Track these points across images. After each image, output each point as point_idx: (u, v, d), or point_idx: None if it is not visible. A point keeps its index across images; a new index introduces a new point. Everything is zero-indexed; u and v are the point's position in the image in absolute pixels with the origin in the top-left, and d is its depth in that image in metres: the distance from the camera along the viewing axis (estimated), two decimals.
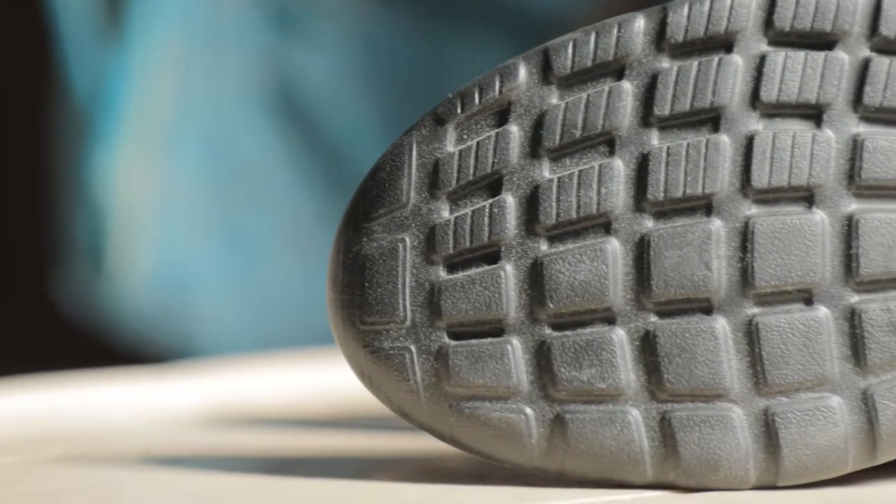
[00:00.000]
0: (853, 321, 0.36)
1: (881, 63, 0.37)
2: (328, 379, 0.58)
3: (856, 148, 0.37)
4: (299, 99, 1.02)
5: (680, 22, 0.37)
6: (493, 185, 0.37)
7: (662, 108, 0.37)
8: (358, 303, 0.37)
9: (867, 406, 0.36)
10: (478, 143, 0.37)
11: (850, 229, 0.36)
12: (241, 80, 1.02)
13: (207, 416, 0.56)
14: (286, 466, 0.44)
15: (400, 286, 0.37)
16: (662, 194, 0.36)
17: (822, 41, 0.37)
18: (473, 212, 0.37)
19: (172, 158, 0.99)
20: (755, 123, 0.37)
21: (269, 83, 1.03)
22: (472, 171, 0.37)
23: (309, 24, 1.05)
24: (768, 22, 0.37)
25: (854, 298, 0.36)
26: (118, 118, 0.98)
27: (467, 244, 0.37)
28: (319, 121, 1.02)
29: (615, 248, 0.36)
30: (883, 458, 0.36)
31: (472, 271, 0.37)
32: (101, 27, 0.98)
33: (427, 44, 1.02)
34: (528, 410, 0.36)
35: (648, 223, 0.36)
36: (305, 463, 0.45)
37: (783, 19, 0.37)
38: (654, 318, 0.36)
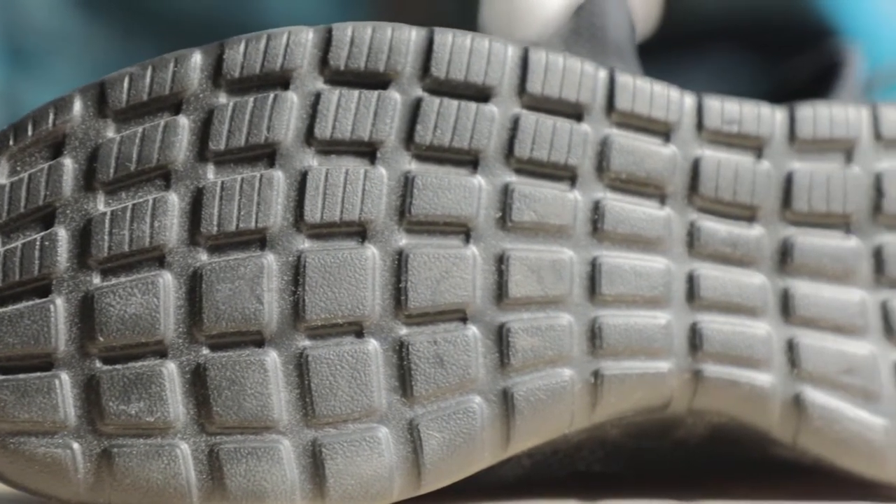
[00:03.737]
0: (401, 353, 0.35)
1: (432, 103, 0.35)
2: None
3: (407, 184, 0.35)
4: None
5: (236, 59, 0.35)
6: (46, 218, 0.34)
7: (218, 144, 0.35)
8: None
9: (413, 436, 0.35)
10: (30, 175, 0.34)
11: (400, 263, 0.35)
12: None
13: None
14: None
15: None
16: (216, 228, 0.34)
17: (376, 80, 0.35)
18: (24, 245, 0.34)
19: None
20: (310, 159, 0.35)
21: (1, 122, 0.99)
22: (23, 204, 0.34)
23: (43, 61, 1.01)
24: (324, 61, 0.35)
25: (403, 331, 0.35)
26: None
27: (17, 277, 0.34)
28: None
29: (167, 282, 0.34)
30: (428, 488, 0.35)
31: (22, 305, 0.34)
32: None
33: None
34: (75, 445, 0.34)
35: (202, 257, 0.34)
36: None
37: (338, 59, 0.35)
38: (206, 351, 0.34)
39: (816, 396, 0.36)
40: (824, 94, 0.49)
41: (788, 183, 0.37)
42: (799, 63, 0.53)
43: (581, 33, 0.46)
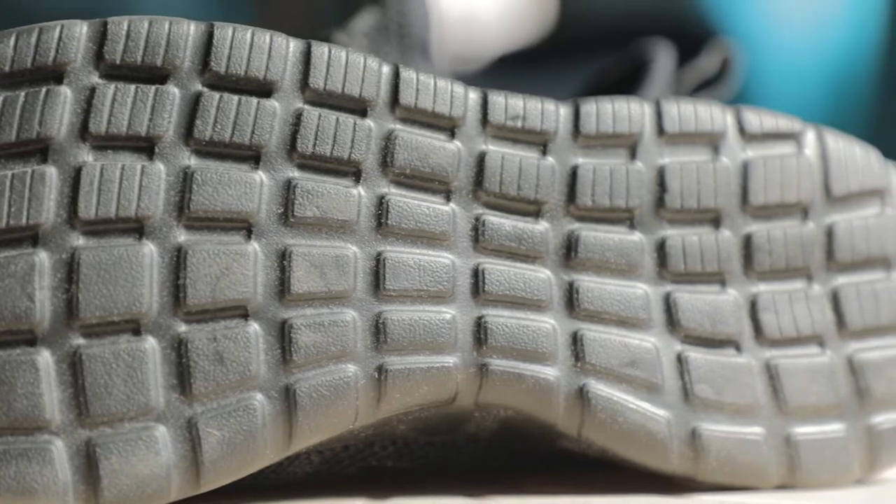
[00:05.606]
0: (180, 351, 0.33)
1: (212, 98, 0.34)
2: None
3: (186, 180, 0.34)
4: None
5: (6, 52, 0.33)
6: None
7: None
8: None
9: (192, 434, 0.33)
10: None
11: (178, 260, 0.34)
12: None
13: None
14: None
15: None
16: None
17: (154, 75, 0.34)
18: None
19: None
20: (84, 155, 0.33)
21: None
22: None
23: None
24: (99, 55, 0.33)
25: (182, 328, 0.34)
26: None
27: None
28: None
29: None
30: (208, 486, 0.33)
31: None
32: None
33: None
34: None
35: None
36: None
37: (113, 53, 0.34)
38: None
39: (600, 389, 0.36)
40: (633, 90, 0.49)
41: (573, 178, 0.37)
42: (612, 62, 0.53)
43: (388, 30, 0.45)
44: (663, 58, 0.50)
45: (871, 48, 0.89)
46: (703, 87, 0.52)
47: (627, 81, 0.50)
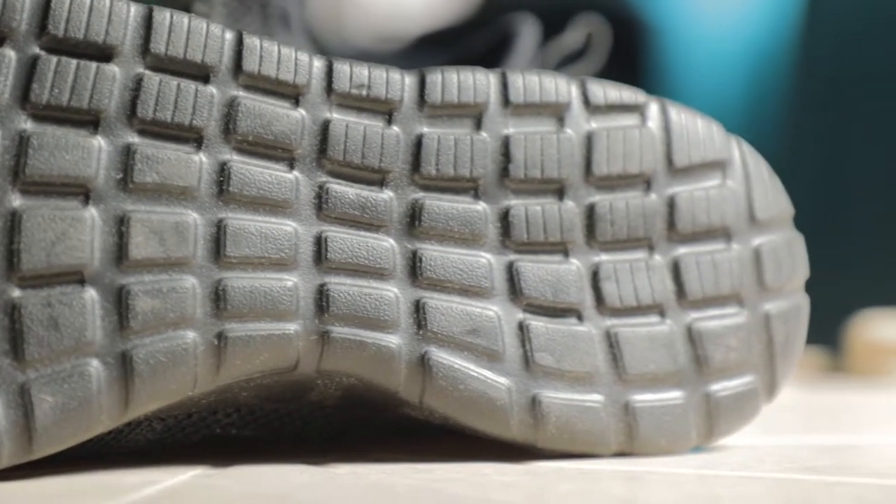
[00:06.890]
0: (13, 316, 0.33)
1: (49, 61, 0.33)
2: None
3: (21, 144, 0.33)
4: None
5: None
6: None
7: None
8: None
9: (24, 400, 0.33)
10: None
11: (13, 225, 0.33)
12: None
13: None
14: None
15: None
16: None
17: None
18: None
19: None
20: None
21: None
22: None
23: None
24: None
25: (16, 293, 0.33)
26: None
27: None
28: None
29: None
30: (41, 453, 0.33)
31: None
32: None
33: None
34: None
35: None
36: None
37: None
38: None
39: (441, 357, 0.36)
40: (496, 65, 0.49)
41: (417, 147, 0.37)
42: (477, 36, 0.53)
43: (249, 0, 0.45)
44: (526, 32, 0.50)
45: (786, 36, 0.90)
46: (568, 63, 0.52)
47: (491, 56, 0.50)
